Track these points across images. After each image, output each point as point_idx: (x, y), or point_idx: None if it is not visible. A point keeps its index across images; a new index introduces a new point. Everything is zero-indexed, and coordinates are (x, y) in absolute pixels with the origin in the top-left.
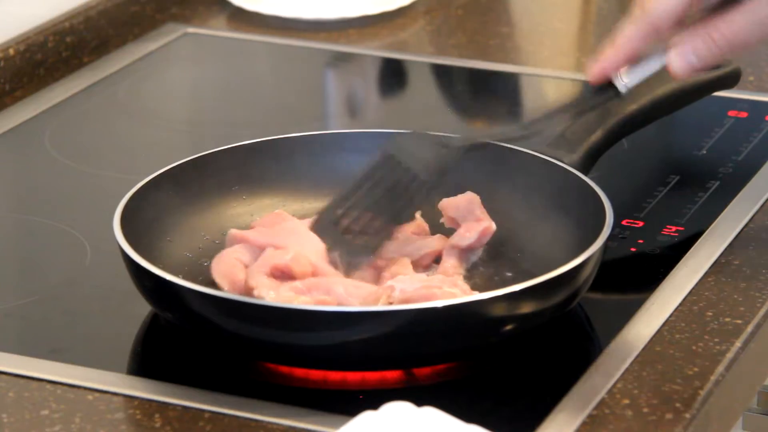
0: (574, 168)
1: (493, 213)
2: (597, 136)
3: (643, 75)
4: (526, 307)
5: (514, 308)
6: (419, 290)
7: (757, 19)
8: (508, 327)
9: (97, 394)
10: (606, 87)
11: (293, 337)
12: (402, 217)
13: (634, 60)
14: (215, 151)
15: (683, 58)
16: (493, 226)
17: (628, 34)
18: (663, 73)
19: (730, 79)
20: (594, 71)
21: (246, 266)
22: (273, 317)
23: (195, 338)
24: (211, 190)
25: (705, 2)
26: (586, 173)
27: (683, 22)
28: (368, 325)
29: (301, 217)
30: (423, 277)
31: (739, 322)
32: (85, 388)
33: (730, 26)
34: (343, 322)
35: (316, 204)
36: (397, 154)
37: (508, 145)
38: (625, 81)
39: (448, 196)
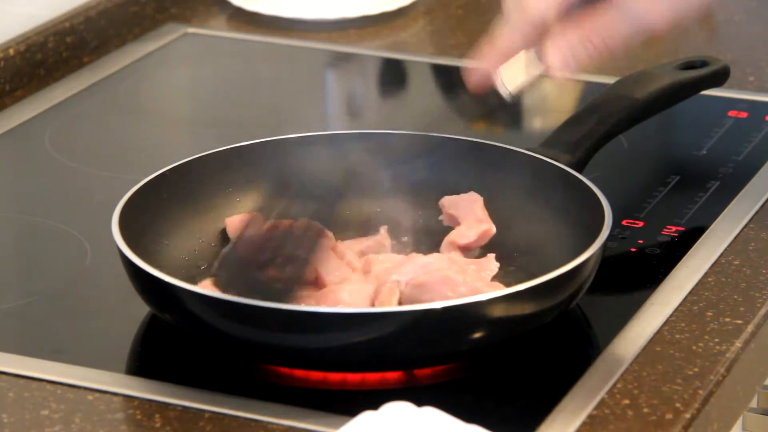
0: (570, 167)
1: (491, 213)
2: (591, 134)
3: (526, 79)
4: (525, 308)
5: (513, 309)
6: (421, 276)
7: (630, 13)
8: (507, 327)
9: (97, 394)
10: (489, 96)
11: (292, 339)
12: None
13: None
14: (209, 153)
15: (559, 55)
16: (494, 229)
17: (507, 36)
18: (653, 72)
19: (719, 77)
20: (473, 79)
21: None
22: (272, 319)
23: (194, 339)
24: (206, 192)
25: None
26: (580, 171)
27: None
28: (367, 326)
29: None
30: (423, 262)
31: (739, 322)
32: (85, 388)
33: (603, 20)
34: (343, 323)
35: (313, 205)
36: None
37: (507, 146)
38: (508, 87)
39: (447, 194)
